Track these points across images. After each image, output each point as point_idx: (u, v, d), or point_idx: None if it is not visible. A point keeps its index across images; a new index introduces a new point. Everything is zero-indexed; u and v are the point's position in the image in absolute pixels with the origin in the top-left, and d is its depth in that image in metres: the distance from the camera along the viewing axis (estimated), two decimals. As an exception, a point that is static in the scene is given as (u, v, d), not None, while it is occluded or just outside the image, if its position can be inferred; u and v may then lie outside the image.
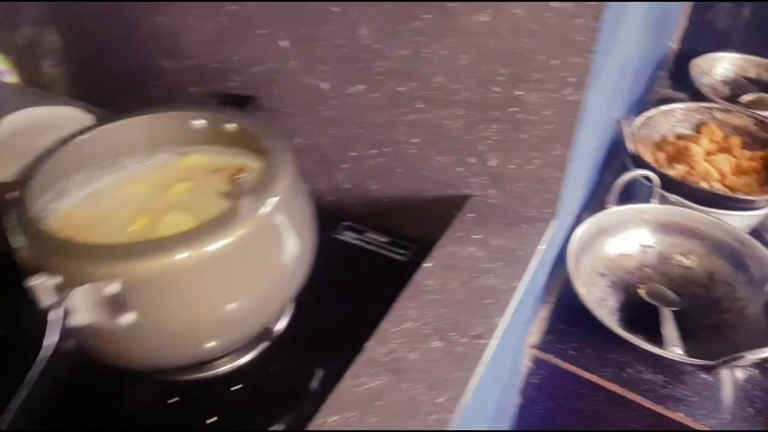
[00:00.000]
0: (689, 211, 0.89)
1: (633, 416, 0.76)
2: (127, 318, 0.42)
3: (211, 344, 0.49)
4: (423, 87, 0.63)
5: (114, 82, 0.83)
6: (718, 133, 1.10)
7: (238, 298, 0.48)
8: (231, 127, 0.57)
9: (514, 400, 0.86)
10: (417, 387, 0.47)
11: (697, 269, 0.88)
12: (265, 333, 0.56)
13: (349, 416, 0.45)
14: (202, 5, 0.70)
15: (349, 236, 0.72)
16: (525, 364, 0.82)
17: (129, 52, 0.81)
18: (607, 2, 0.51)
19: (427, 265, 0.59)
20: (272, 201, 0.48)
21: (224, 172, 0.56)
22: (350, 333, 0.53)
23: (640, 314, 0.83)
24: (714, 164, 1.01)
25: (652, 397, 0.74)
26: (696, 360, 0.70)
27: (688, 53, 1.37)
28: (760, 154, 1.05)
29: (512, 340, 0.68)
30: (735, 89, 1.36)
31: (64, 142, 0.54)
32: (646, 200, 0.91)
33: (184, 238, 0.43)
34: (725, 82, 1.38)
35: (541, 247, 0.62)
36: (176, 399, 0.54)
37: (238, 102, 0.61)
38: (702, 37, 1.48)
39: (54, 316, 0.40)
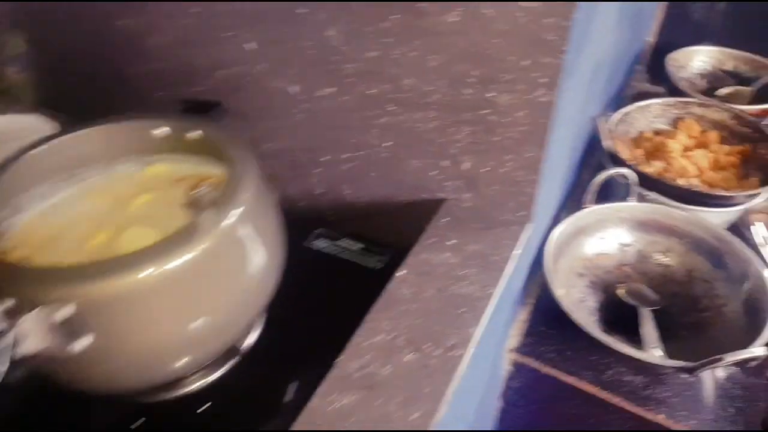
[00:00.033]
0: (667, 208, 0.88)
1: (614, 418, 0.75)
2: (82, 343, 0.40)
3: (177, 364, 0.47)
4: (394, 89, 0.62)
5: (80, 88, 0.81)
6: (696, 128, 1.09)
7: (203, 315, 0.46)
8: (194, 135, 0.55)
9: (494, 405, 0.85)
10: (390, 403, 0.46)
11: (676, 267, 0.87)
12: (233, 349, 0.54)
13: (319, 436, 0.44)
14: (165, 8, 0.68)
15: (321, 244, 0.70)
16: (505, 368, 0.81)
17: (93, 57, 0.79)
18: (578, 1, 0.50)
19: (400, 273, 0.58)
20: (235, 212, 0.46)
21: (188, 182, 0.54)
22: (322, 346, 0.52)
23: (619, 314, 0.82)
24: (692, 160, 1.01)
25: (633, 399, 0.73)
26: (675, 362, 0.69)
27: (665, 47, 1.37)
28: (737, 148, 1.05)
29: (490, 346, 0.67)
30: (712, 82, 1.36)
31: (20, 154, 0.52)
32: (624, 198, 0.90)
33: (140, 256, 0.41)
34: (702, 76, 1.38)
35: (517, 251, 0.61)
36: (142, 420, 0.52)
37: (201, 108, 0.59)
38: (679, 31, 1.48)
39: (3, 344, 0.37)
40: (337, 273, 0.67)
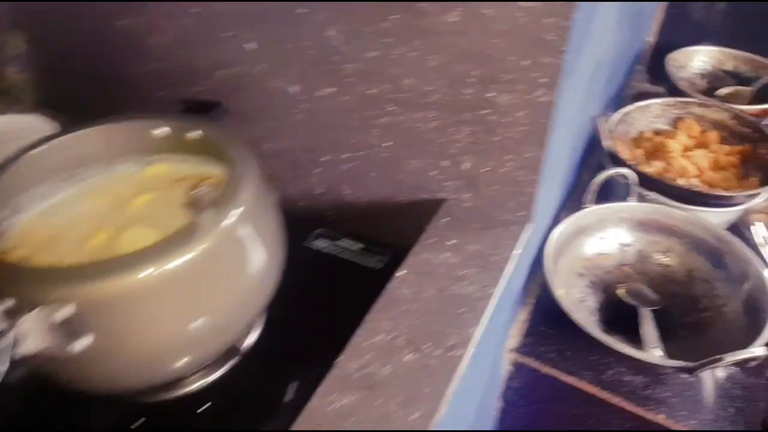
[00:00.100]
0: (667, 208, 0.88)
1: (614, 419, 0.75)
2: (82, 343, 0.40)
3: (177, 364, 0.47)
4: (394, 89, 0.62)
5: (80, 88, 0.81)
6: (696, 128, 1.09)
7: (203, 315, 0.46)
8: (194, 135, 0.55)
9: (494, 405, 0.85)
10: (390, 403, 0.46)
11: (676, 267, 0.87)
12: (233, 349, 0.54)
13: (319, 436, 0.44)
14: (165, 8, 0.68)
15: (321, 244, 0.70)
16: (505, 368, 0.81)
17: (94, 57, 0.79)
18: (578, 1, 0.50)
19: (400, 273, 0.58)
20: (235, 212, 0.46)
21: (189, 182, 0.54)
22: (322, 346, 0.52)
23: (620, 314, 0.82)
24: (692, 160, 1.01)
25: (633, 399, 0.73)
26: (675, 362, 0.69)
27: (665, 47, 1.37)
28: (737, 148, 1.05)
29: (490, 346, 0.67)
30: (712, 82, 1.36)
31: (20, 154, 0.52)
32: (624, 198, 0.90)
33: (140, 256, 0.41)
34: (703, 76, 1.38)
35: (517, 251, 0.61)
36: (142, 421, 0.52)
37: (201, 108, 0.59)
38: (679, 31, 1.48)
39: (3, 344, 0.37)
40: (337, 273, 0.67)
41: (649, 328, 0.77)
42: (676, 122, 1.12)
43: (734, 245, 0.82)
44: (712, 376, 0.77)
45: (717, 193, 0.92)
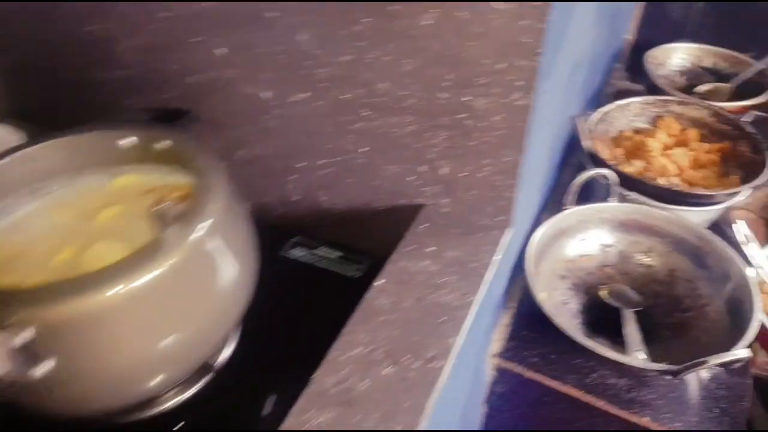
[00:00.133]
0: (648, 208, 0.88)
1: (599, 422, 0.74)
2: (43, 367, 0.38)
3: (148, 384, 0.46)
4: (368, 94, 0.60)
5: (47, 96, 0.79)
6: (676, 127, 1.09)
7: (173, 332, 0.44)
8: (162, 144, 0.54)
9: (479, 411, 0.84)
10: (368, 420, 0.44)
11: (659, 267, 0.87)
12: (207, 365, 0.53)
13: (294, 456, 0.42)
14: (133, 13, 0.66)
15: (298, 253, 0.68)
16: (488, 373, 0.80)
17: (60, 64, 0.77)
18: (552, 2, 0.49)
19: (378, 282, 0.56)
20: (203, 225, 0.44)
21: (157, 193, 0.53)
22: (300, 358, 0.50)
23: (603, 315, 0.82)
24: (672, 158, 1.01)
25: (618, 402, 0.73)
26: (659, 366, 0.68)
27: (644, 44, 1.37)
28: (717, 146, 1.05)
29: (471, 354, 0.66)
30: (691, 79, 1.36)
31: (-20, 168, 0.50)
32: (605, 199, 0.89)
33: (103, 274, 0.39)
34: (681, 73, 1.38)
35: (497, 257, 0.60)
36: (113, 442, 0.50)
37: (171, 116, 0.57)
38: (657, 28, 1.48)
39: (-43, 371, 0.36)
40: (315, 282, 0.66)
41: (632, 330, 0.76)
42: (655, 121, 1.11)
43: (716, 244, 0.82)
44: (697, 378, 0.76)
45: (698, 192, 0.92)
